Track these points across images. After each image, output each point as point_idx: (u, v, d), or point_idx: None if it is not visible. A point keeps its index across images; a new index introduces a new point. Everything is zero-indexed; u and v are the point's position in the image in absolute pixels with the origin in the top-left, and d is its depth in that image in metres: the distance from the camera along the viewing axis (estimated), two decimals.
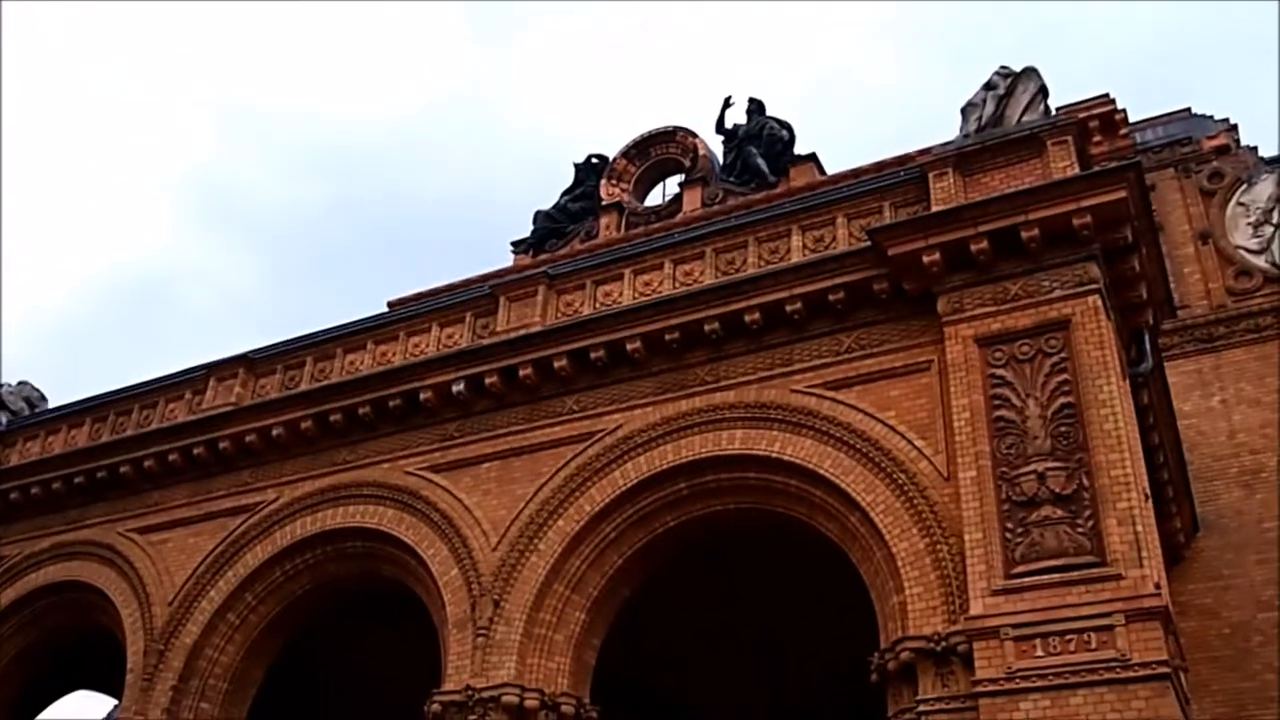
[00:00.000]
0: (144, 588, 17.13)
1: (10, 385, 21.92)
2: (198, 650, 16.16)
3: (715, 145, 24.89)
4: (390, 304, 24.48)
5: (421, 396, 15.78)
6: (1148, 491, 12.49)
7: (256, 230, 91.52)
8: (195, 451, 17.58)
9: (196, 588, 16.58)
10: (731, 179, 23.54)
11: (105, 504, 18.51)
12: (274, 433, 16.89)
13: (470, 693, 13.45)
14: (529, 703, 13.38)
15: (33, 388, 22.11)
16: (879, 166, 20.85)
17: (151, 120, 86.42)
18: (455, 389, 15.55)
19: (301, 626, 16.97)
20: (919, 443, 12.52)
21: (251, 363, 18.24)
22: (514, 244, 25.69)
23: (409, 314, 17.95)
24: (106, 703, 24.66)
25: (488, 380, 15.38)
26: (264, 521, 16.58)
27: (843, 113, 77.80)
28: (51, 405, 21.49)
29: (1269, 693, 16.15)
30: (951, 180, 13.56)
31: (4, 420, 21.16)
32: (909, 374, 13.04)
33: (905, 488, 12.30)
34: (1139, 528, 11.05)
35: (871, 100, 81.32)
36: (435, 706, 13.71)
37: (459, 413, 15.72)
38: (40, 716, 20.91)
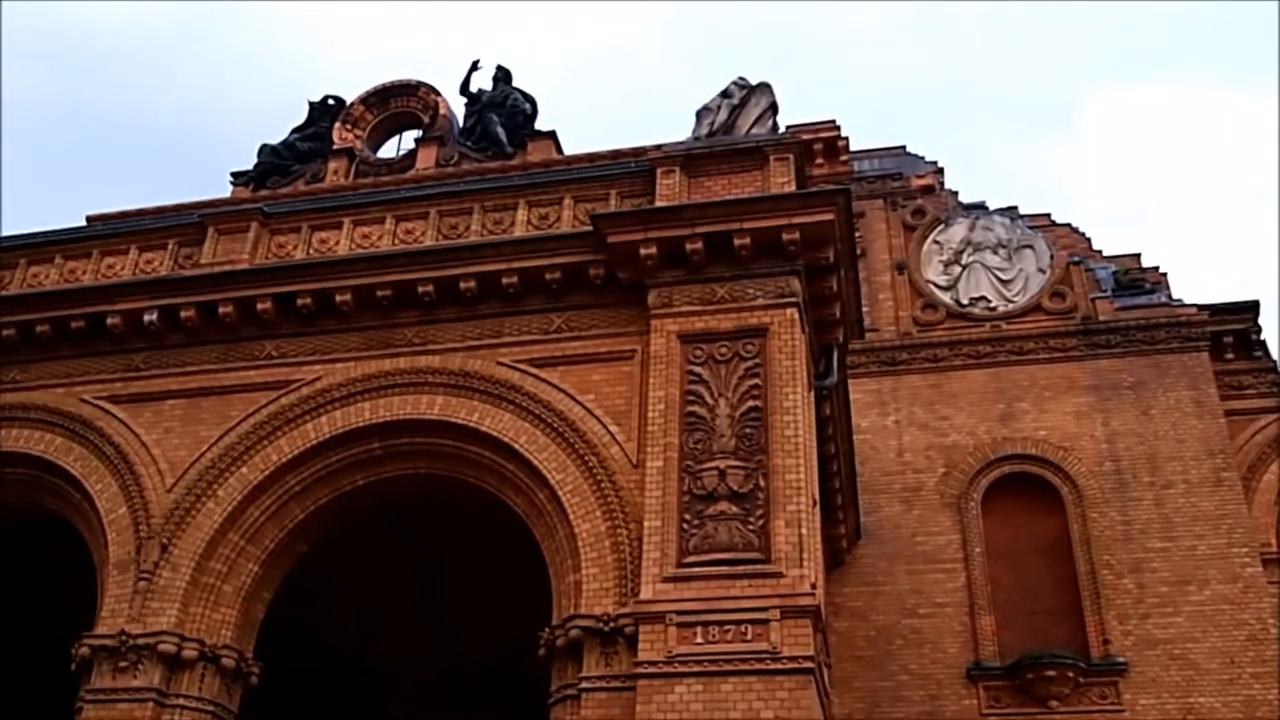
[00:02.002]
0: None
1: None
2: None
3: (458, 107, 24.59)
4: (89, 218, 22.82)
5: (108, 321, 14.81)
6: (817, 498, 13.30)
7: None
8: None
9: None
10: (469, 144, 23.28)
11: None
12: None
13: (124, 638, 12.77)
14: (187, 653, 12.83)
15: None
16: (615, 155, 21.16)
17: None
18: (147, 318, 14.69)
19: None
20: (613, 428, 12.83)
21: None
22: (234, 175, 24.45)
23: (106, 232, 16.85)
24: None
25: (184, 313, 14.61)
26: None
27: (596, 96, 78.46)
28: None
29: (901, 692, 17.62)
30: (678, 179, 13.95)
31: None
32: (612, 360, 13.33)
33: (595, 471, 12.58)
34: (804, 530, 11.74)
35: (626, 88, 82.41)
36: (84, 650, 12.92)
37: (148, 344, 14.86)
38: None
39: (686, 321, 13.06)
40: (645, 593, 11.57)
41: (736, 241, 13.07)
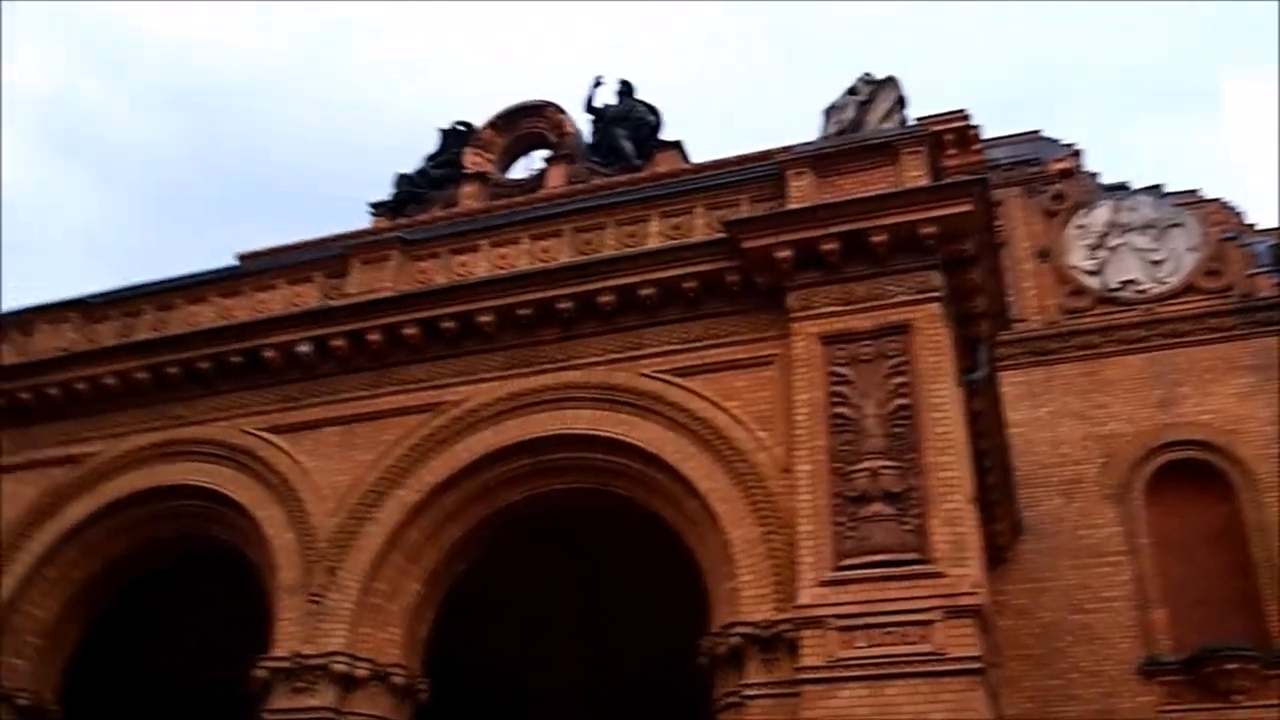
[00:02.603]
0: None
1: None
2: (13, 605, 15.45)
3: (584, 124, 24.89)
4: (240, 257, 23.80)
5: (265, 355, 15.39)
6: (973, 494, 13.03)
7: (108, 166, 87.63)
8: (21, 396, 16.78)
9: (15, 540, 15.84)
10: (597, 159, 23.56)
11: None
12: (106, 382, 16.26)
13: (299, 660, 13.22)
14: (359, 672, 13.22)
15: None
16: (742, 160, 21.13)
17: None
18: (300, 349, 15.22)
19: (124, 584, 16.42)
20: (760, 434, 12.78)
21: (87, 307, 17.50)
22: (373, 205, 25.22)
23: (257, 269, 17.52)
24: None
25: (334, 343, 15.10)
26: (91, 474, 15.94)
27: (714, 103, 78.50)
28: None
29: (1073, 690, 17.09)
30: (809, 179, 13.83)
31: None
32: (754, 366, 13.28)
33: (744, 477, 12.55)
34: (962, 528, 11.52)
35: (744, 94, 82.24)
36: (262, 673, 13.43)
37: (303, 374, 15.39)
38: None
39: (827, 323, 12.94)
40: (803, 598, 11.49)
41: (873, 239, 12.91)
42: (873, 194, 13.16)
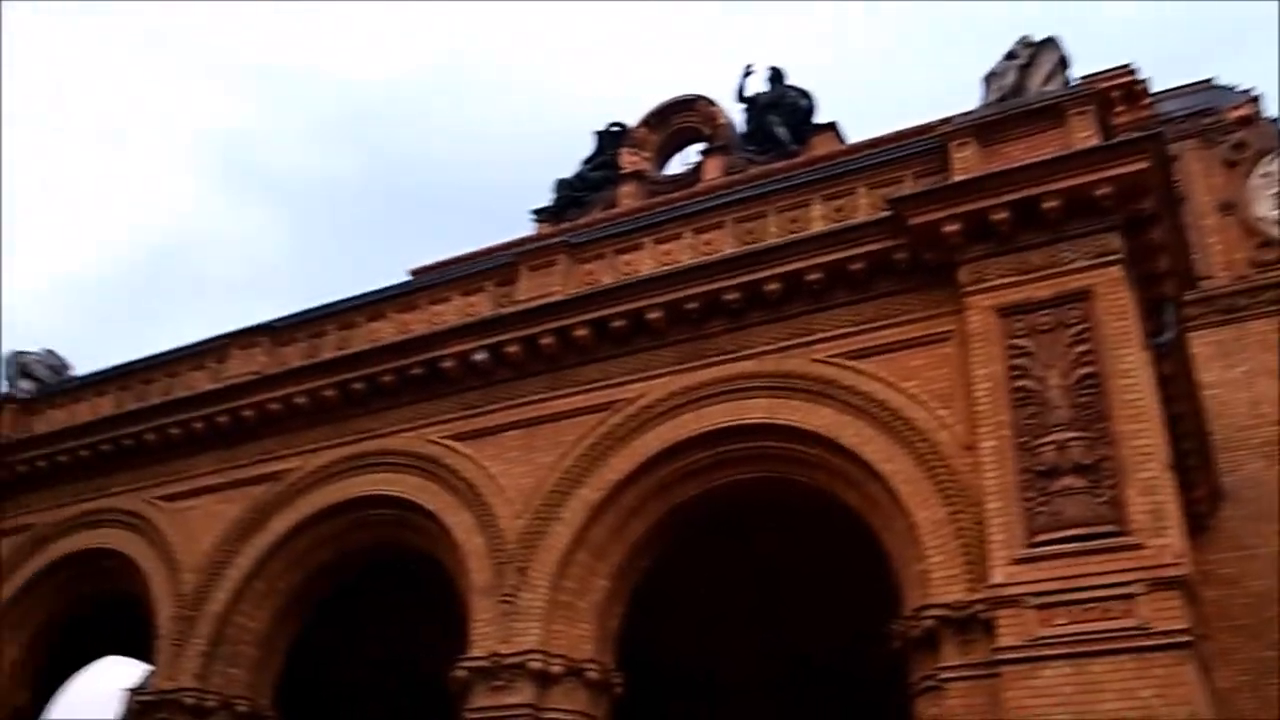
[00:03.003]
0: (171, 555, 17.34)
1: (36, 353, 22.11)
2: (226, 617, 16.37)
3: (736, 114, 24.82)
4: (412, 272, 24.57)
5: (443, 365, 15.89)
6: (1169, 461, 12.54)
7: (279, 195, 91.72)
8: (219, 420, 17.75)
9: (224, 555, 16.78)
10: (752, 148, 23.49)
11: (131, 472, 18.69)
12: (297, 401, 17.04)
13: (496, 659, 13.62)
14: (554, 669, 13.54)
15: (57, 356, 22.30)
16: (899, 136, 20.77)
17: (172, 85, 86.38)
18: (477, 358, 15.65)
19: (329, 593, 17.19)
20: (940, 412, 12.58)
21: (274, 331, 18.38)
22: (535, 212, 25.72)
23: (431, 283, 18.04)
24: (137, 668, 25.01)
25: (509, 349, 15.47)
26: (289, 490, 16.76)
27: (863, 81, 77.28)
28: (77, 373, 21.69)
29: None
30: (972, 150, 13.53)
31: (30, 388, 21.37)
32: (930, 344, 13.07)
33: (926, 457, 12.37)
34: (1160, 497, 11.11)
35: (893, 69, 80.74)
36: (461, 673, 13.89)
37: (481, 381, 15.82)
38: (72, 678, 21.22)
39: (1002, 294, 12.63)
40: (997, 576, 11.26)
41: (1045, 205, 12.54)
42: (1042, 159, 12.77)
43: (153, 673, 17.23)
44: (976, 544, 11.66)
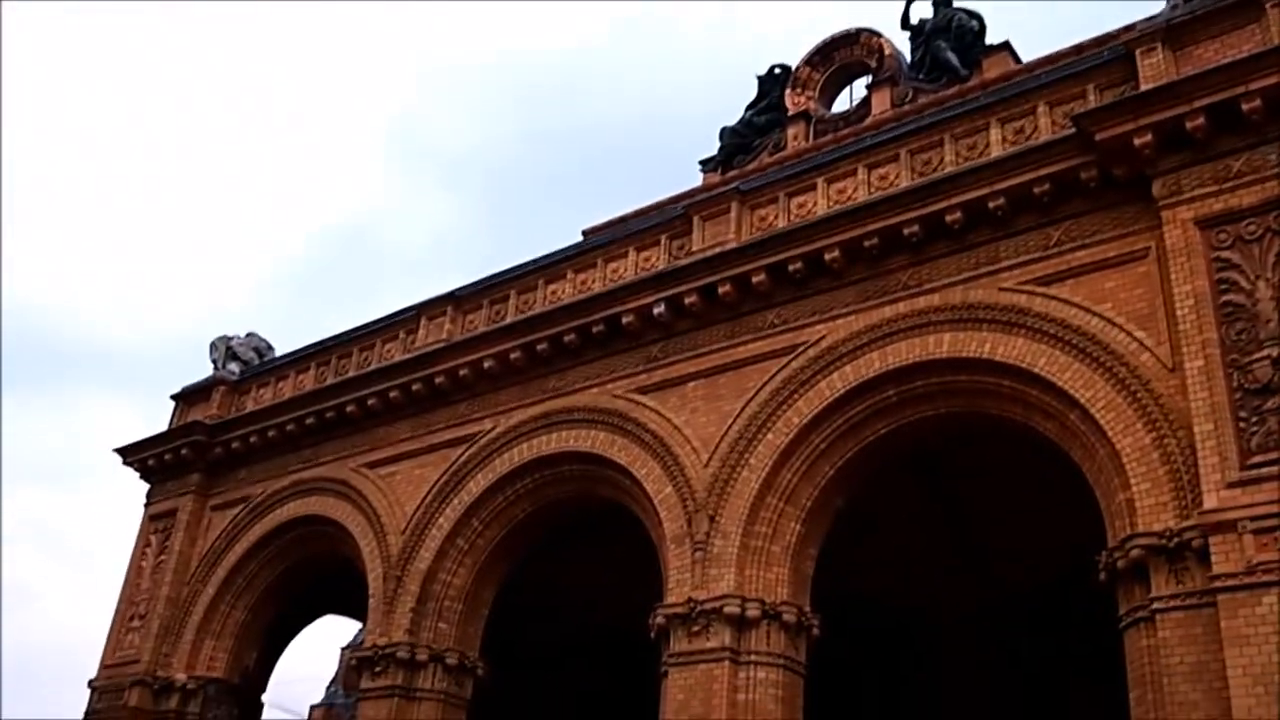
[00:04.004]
0: (378, 518, 18.15)
1: (239, 337, 23.33)
2: (432, 575, 17.06)
3: (901, 43, 24.08)
4: (585, 232, 24.80)
5: (623, 320, 16.06)
6: None
7: (455, 172, 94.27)
8: (413, 388, 18.42)
9: (426, 516, 17.46)
10: (920, 76, 22.75)
11: (336, 442, 19.62)
12: (485, 365, 17.53)
13: (692, 605, 13.79)
14: (750, 612, 13.62)
15: (260, 338, 23.49)
16: (1078, 49, 19.77)
17: (355, 78, 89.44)
18: (656, 311, 15.76)
19: (525, 548, 17.70)
20: (1139, 334, 12.03)
21: (458, 300, 18.90)
22: (702, 163, 25.57)
23: (605, 241, 18.22)
24: (352, 626, 26.36)
25: (687, 300, 15.51)
26: (483, 451, 17.29)
27: None
28: (278, 353, 22.80)
29: None
30: (1161, 56, 12.78)
31: (237, 370, 22.59)
32: (1125, 263, 12.50)
33: (1127, 382, 11.86)
34: None
35: None
36: (659, 620, 14.13)
37: (661, 334, 15.94)
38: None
39: (1202, 205, 11.94)
40: (1209, 502, 10.74)
41: (1245, 107, 11.75)
42: (1240, 58, 11.96)
43: (366, 630, 18.08)
44: (1185, 469, 11.15)
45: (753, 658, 13.52)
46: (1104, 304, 12.36)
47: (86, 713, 20.36)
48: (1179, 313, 11.66)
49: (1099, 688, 13.26)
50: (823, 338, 14.35)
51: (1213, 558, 10.55)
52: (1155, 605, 10.94)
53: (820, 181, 15.39)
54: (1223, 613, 10.35)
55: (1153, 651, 10.87)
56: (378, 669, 16.85)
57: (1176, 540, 10.91)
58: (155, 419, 21.78)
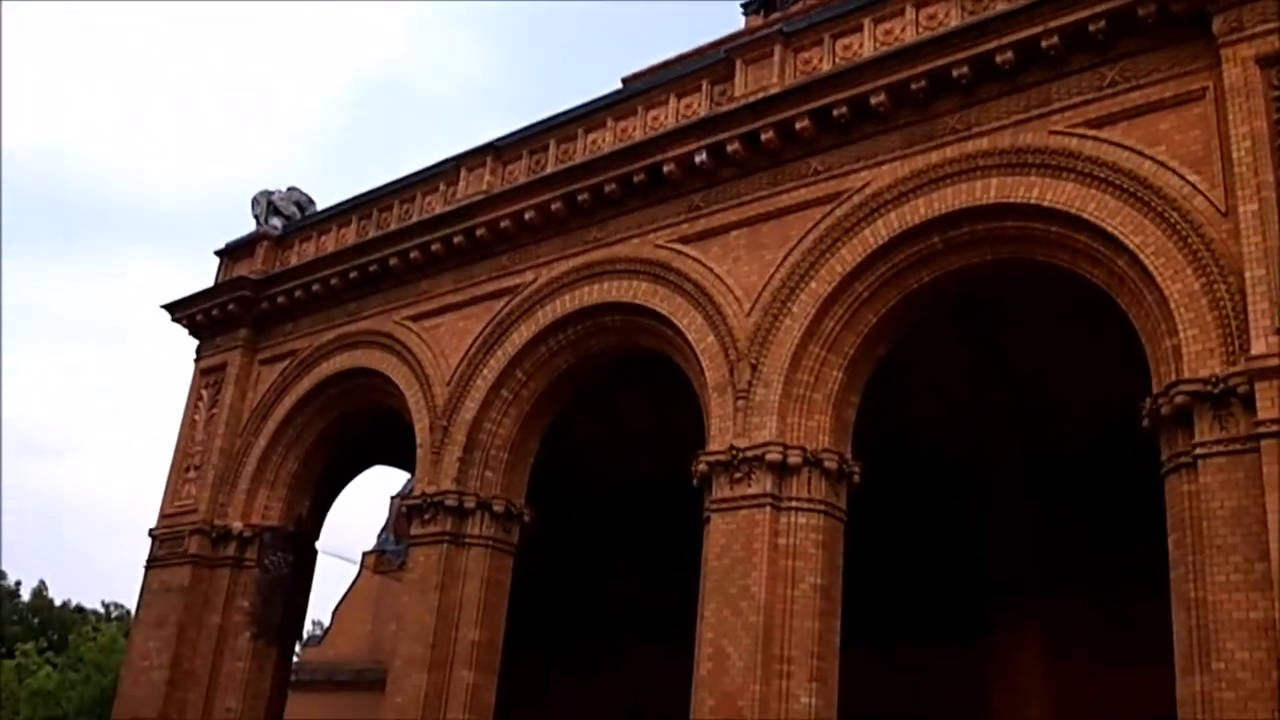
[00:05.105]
0: (423, 370, 18.37)
1: (280, 191, 23.30)
2: (477, 425, 17.33)
3: None
4: (625, 80, 24.35)
5: (665, 169, 15.87)
6: None
7: (487, 19, 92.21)
8: (455, 240, 18.42)
9: (470, 368, 17.64)
10: None
11: (379, 295, 19.75)
12: (526, 216, 17.46)
13: (734, 452, 13.95)
14: (792, 459, 13.76)
15: (301, 192, 23.46)
16: None
17: None
18: (698, 159, 15.55)
19: (569, 398, 17.90)
20: (1193, 178, 11.74)
21: (498, 150, 18.73)
22: (744, 5, 24.92)
23: (645, 87, 17.87)
24: (401, 476, 26.98)
25: (729, 148, 15.27)
26: (525, 302, 17.35)
27: None
28: (319, 208, 22.81)
29: None
30: None
31: (279, 225, 22.64)
32: (1180, 104, 12.11)
33: (1178, 226, 11.63)
34: None
35: None
36: (702, 467, 14.33)
37: (703, 183, 15.75)
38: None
39: (1264, 42, 11.48)
40: (1257, 347, 10.63)
41: None
42: None
43: (415, 479, 18.48)
44: (1234, 316, 11.01)
45: (794, 503, 13.71)
46: (1157, 147, 12.05)
47: (149, 559, 21.12)
48: (1235, 155, 11.34)
49: (1142, 536, 13.32)
50: (867, 184, 14.13)
51: (1258, 403, 10.51)
52: (1198, 451, 10.94)
53: (867, 22, 14.91)
54: (1265, 458, 10.36)
55: (1193, 496, 10.91)
56: (427, 516, 17.28)
57: (1222, 386, 10.84)
58: (205, 278, 22.05)
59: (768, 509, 13.63)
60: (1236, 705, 10.00)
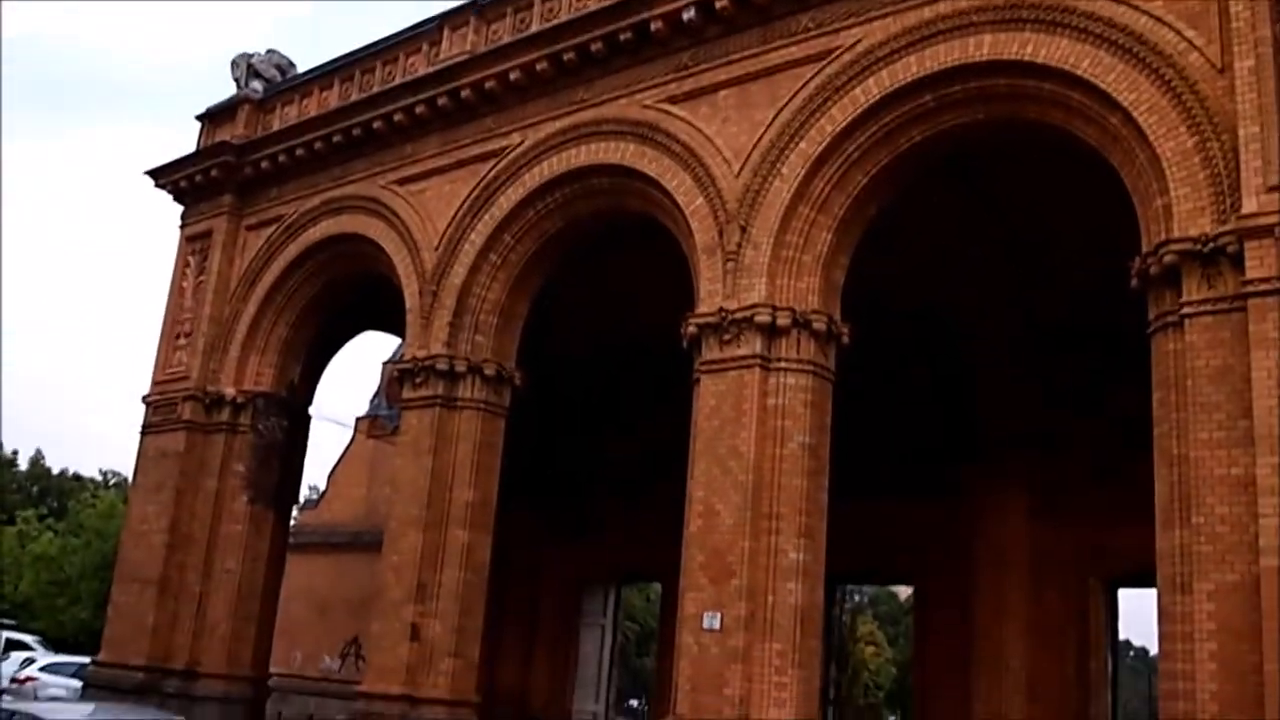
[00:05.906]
0: (410, 235, 18.26)
1: (260, 54, 22.79)
2: (466, 289, 17.32)
3: None
4: None
5: (652, 27, 15.52)
6: None
7: None
8: (439, 102, 18.12)
9: (458, 232, 17.55)
10: None
11: (364, 159, 19.51)
12: (511, 77, 17.15)
13: (723, 314, 13.98)
14: (780, 321, 13.79)
15: (281, 55, 22.97)
16: None
17: None
18: (685, 16, 15.19)
19: (558, 262, 17.84)
20: (1189, 33, 11.51)
21: (481, 8, 18.29)
22: None
23: None
24: (392, 342, 27.05)
25: (718, 4, 14.88)
26: (512, 165, 17.16)
27: None
28: (300, 70, 22.34)
29: None
30: None
31: (260, 88, 22.21)
32: None
33: (1172, 83, 11.46)
34: None
35: None
36: (691, 329, 14.37)
37: (691, 41, 15.42)
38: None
39: None
40: (1248, 206, 10.59)
41: None
42: None
43: (405, 343, 18.54)
44: (1227, 174, 10.93)
45: (782, 364, 13.78)
46: (1154, 1, 11.79)
47: (144, 426, 21.31)
48: (1232, 9, 11.11)
49: (1128, 394, 13.42)
50: (858, 41, 13.84)
51: (1247, 262, 10.51)
52: (1185, 310, 10.97)
53: None
54: (1252, 316, 10.40)
55: (1179, 355, 10.98)
56: (418, 380, 17.39)
57: (1211, 245, 10.82)
58: (190, 146, 21.69)
59: (757, 370, 13.71)
60: (1214, 558, 10.25)
